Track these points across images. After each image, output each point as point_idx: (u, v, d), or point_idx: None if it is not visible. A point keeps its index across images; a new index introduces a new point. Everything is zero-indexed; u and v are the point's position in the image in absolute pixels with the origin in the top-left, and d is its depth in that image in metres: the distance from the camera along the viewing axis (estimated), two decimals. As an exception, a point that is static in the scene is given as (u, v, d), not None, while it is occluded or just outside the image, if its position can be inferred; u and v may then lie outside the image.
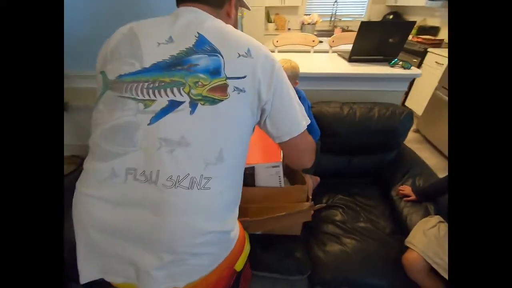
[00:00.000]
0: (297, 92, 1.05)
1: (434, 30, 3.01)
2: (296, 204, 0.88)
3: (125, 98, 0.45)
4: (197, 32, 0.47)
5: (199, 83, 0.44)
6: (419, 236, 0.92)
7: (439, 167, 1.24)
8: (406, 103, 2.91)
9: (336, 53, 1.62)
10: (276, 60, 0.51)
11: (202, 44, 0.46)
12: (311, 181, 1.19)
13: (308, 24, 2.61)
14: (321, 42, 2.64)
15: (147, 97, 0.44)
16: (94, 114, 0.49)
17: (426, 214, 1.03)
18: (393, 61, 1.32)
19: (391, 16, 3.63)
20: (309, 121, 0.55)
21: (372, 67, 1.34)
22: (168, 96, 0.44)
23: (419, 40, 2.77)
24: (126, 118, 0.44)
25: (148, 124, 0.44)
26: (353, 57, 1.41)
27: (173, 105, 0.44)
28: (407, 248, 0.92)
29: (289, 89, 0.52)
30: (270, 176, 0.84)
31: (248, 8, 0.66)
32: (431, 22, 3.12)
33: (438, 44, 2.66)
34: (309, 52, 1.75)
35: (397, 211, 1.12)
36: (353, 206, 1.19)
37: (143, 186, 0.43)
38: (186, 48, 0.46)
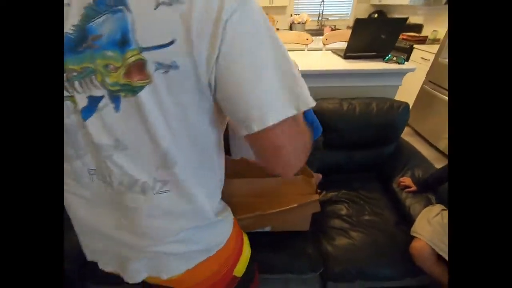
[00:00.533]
0: None
1: (418, 28, 3.13)
2: (304, 196, 0.88)
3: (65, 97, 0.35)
4: None
5: (111, 66, 0.30)
6: (424, 225, 0.94)
7: (430, 158, 1.31)
8: (396, 98, 3.00)
9: (329, 51, 1.64)
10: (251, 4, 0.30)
11: None
12: (316, 178, 1.20)
13: (298, 23, 2.63)
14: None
15: (68, 93, 0.33)
16: None
17: (428, 203, 1.06)
18: (387, 57, 1.36)
19: (376, 15, 3.74)
20: (306, 107, 0.34)
21: (367, 63, 1.37)
22: (84, 92, 0.32)
23: (405, 37, 2.87)
24: (65, 120, 0.35)
25: (83, 128, 0.34)
26: (348, 54, 1.43)
27: (93, 103, 0.32)
28: (413, 237, 0.94)
29: (261, 46, 0.31)
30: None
31: None
32: (414, 20, 3.24)
33: (422, 41, 2.76)
34: (303, 50, 1.77)
35: (399, 203, 1.14)
36: (357, 200, 1.21)
37: (107, 188, 0.39)
38: (84, 8, 0.29)
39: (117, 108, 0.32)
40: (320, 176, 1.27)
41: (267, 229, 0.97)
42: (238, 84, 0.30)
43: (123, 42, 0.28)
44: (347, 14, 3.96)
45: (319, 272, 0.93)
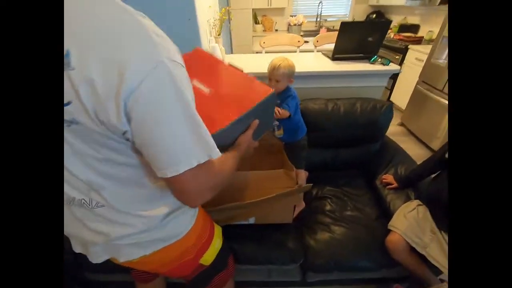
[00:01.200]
0: (289, 90, 1.10)
1: (415, 28, 3.15)
2: (284, 189, 0.94)
3: None
4: None
5: None
6: (400, 219, 0.99)
7: (423, 157, 1.34)
8: (391, 99, 3.03)
9: (320, 52, 1.69)
10: (151, 62, 0.32)
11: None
12: (304, 175, 1.25)
13: (294, 25, 2.68)
14: (307, 42, 2.72)
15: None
16: None
17: (407, 199, 1.10)
18: (372, 58, 1.40)
19: (374, 15, 3.77)
20: (215, 156, 0.42)
21: (354, 65, 1.42)
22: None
23: (400, 37, 2.89)
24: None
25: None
26: (336, 56, 1.48)
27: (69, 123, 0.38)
28: (390, 231, 0.99)
29: (169, 111, 0.35)
30: None
31: None
32: (412, 20, 3.26)
33: (418, 41, 2.78)
34: (295, 52, 1.82)
35: (381, 198, 1.19)
36: (341, 196, 1.26)
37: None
38: None
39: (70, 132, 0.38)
40: (307, 173, 1.33)
41: (251, 221, 1.02)
42: (152, 143, 0.36)
43: None
44: (346, 15, 3.99)
45: (300, 263, 0.98)
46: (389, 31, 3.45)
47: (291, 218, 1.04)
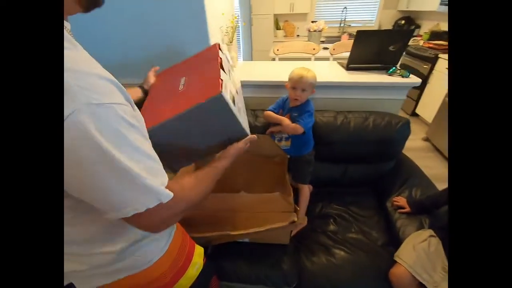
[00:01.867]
0: (308, 105, 1.07)
1: (448, 35, 2.90)
2: (281, 214, 0.89)
3: None
4: None
5: None
6: (408, 250, 0.89)
7: (446, 178, 1.18)
8: (417, 110, 2.82)
9: (336, 61, 1.62)
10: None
11: None
12: (308, 190, 1.19)
13: (314, 31, 2.61)
14: (326, 48, 2.64)
15: None
16: None
17: (420, 227, 1.00)
18: (391, 70, 1.30)
19: (402, 22, 3.56)
20: (158, 201, 0.38)
21: (370, 76, 1.33)
22: None
23: (430, 45, 2.68)
24: None
25: None
26: (350, 65, 1.40)
27: None
28: (395, 262, 0.90)
29: (92, 164, 0.32)
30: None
31: None
32: (445, 26, 3.02)
33: (451, 50, 2.57)
34: (309, 59, 1.76)
35: (391, 223, 1.09)
36: (346, 216, 1.17)
37: None
38: None
39: None
40: (311, 187, 1.27)
41: (246, 240, 0.99)
42: (84, 191, 0.34)
43: None
44: (372, 20, 3.82)
45: (293, 286, 0.93)
46: (419, 38, 3.23)
47: (287, 240, 0.99)
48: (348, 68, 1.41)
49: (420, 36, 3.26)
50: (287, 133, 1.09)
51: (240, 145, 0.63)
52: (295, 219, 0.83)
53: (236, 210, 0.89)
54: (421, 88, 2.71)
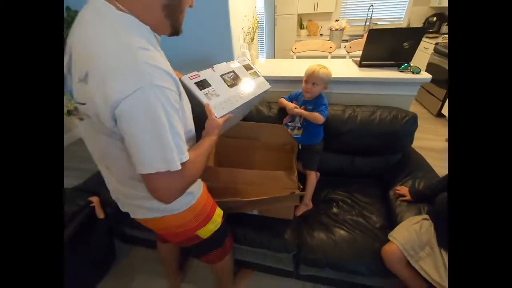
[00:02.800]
0: (323, 98, 1.21)
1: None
2: (285, 189, 1.03)
3: None
4: (69, 48, 0.50)
5: (69, 101, 0.52)
6: (402, 231, 0.97)
7: None
8: (443, 111, 2.72)
9: (351, 59, 1.69)
10: (126, 91, 0.43)
11: (70, 61, 0.50)
12: (315, 176, 1.30)
13: (336, 30, 2.66)
14: (347, 47, 2.67)
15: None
16: None
17: (418, 213, 1.06)
18: (402, 66, 1.36)
19: (434, 19, 3.41)
20: (175, 168, 0.50)
21: (381, 72, 1.39)
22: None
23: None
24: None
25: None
26: (363, 62, 1.48)
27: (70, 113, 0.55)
28: (389, 241, 0.98)
29: (139, 128, 0.45)
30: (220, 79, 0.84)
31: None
32: (480, 23, 2.85)
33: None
34: (326, 57, 1.85)
35: (391, 210, 1.16)
36: (349, 202, 1.27)
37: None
38: (66, 61, 0.52)
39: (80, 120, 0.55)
40: (318, 174, 1.38)
41: (255, 212, 1.15)
42: (131, 143, 0.48)
43: (71, 94, 0.52)
44: (401, 18, 3.72)
45: (293, 253, 1.06)
46: (450, 35, 3.09)
47: (291, 216, 1.12)
48: (360, 65, 1.49)
49: (452, 33, 3.11)
50: (310, 120, 1.18)
51: (209, 117, 0.69)
52: (296, 191, 0.97)
53: (247, 183, 1.04)
54: (448, 88, 2.62)
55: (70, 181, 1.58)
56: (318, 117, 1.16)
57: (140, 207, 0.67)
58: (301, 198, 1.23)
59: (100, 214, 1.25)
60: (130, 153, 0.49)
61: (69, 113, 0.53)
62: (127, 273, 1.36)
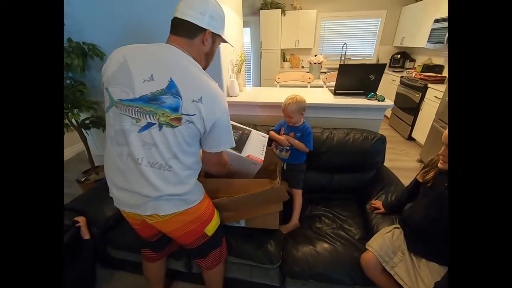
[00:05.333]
0: (307, 127, 1.34)
1: (439, 68, 3.19)
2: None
3: (124, 115, 0.72)
4: (170, 78, 0.70)
5: (165, 114, 0.71)
6: (377, 239, 1.06)
7: None
8: (413, 135, 3.00)
9: (327, 88, 1.92)
10: (222, 108, 0.76)
11: (171, 88, 0.70)
12: (300, 194, 1.39)
13: (315, 63, 2.98)
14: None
15: (136, 117, 0.72)
16: (106, 117, 0.77)
17: (392, 223, 1.17)
18: (369, 95, 1.57)
19: (398, 56, 3.91)
20: (224, 148, 0.84)
21: (353, 99, 1.60)
22: (146, 119, 0.71)
23: (422, 77, 2.96)
24: (125, 126, 0.73)
25: (138, 132, 0.72)
26: (337, 91, 1.69)
27: (149, 125, 0.72)
28: (367, 250, 1.06)
29: (223, 126, 0.80)
30: (258, 142, 1.22)
31: (231, 45, 0.93)
32: (436, 61, 3.32)
33: (441, 81, 2.82)
34: (305, 87, 2.07)
35: (368, 222, 1.26)
36: (331, 216, 1.35)
37: (134, 163, 0.75)
38: (160, 89, 0.70)
39: (159, 129, 0.72)
40: (301, 190, 1.47)
41: (242, 224, 1.19)
42: (214, 136, 0.79)
43: (175, 109, 0.71)
44: (371, 54, 4.21)
45: (277, 265, 1.10)
46: (412, 70, 3.53)
47: (277, 225, 1.18)
48: (335, 93, 1.69)
49: (415, 68, 3.57)
50: (298, 149, 1.33)
51: None
52: (276, 184, 1.05)
53: (234, 192, 1.11)
54: (414, 114, 2.94)
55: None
56: (305, 149, 1.32)
57: (179, 200, 0.80)
58: (291, 216, 1.31)
59: (86, 235, 1.24)
60: (213, 141, 0.80)
61: (164, 125, 0.72)
62: (109, 299, 1.30)
